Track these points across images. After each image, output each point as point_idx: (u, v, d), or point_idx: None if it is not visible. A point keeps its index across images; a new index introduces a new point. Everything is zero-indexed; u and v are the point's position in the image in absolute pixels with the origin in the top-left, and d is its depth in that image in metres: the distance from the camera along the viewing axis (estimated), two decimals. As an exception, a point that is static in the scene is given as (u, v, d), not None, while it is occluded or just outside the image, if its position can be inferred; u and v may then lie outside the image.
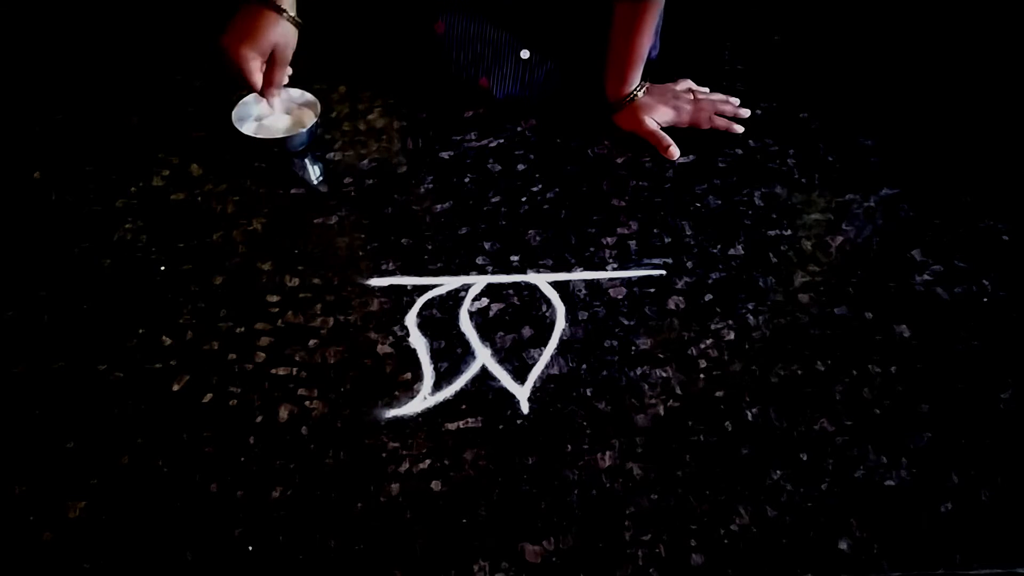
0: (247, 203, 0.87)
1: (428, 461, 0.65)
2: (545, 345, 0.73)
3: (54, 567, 0.59)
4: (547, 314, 0.76)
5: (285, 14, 0.83)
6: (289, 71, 0.89)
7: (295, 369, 0.71)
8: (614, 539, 0.60)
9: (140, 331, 0.74)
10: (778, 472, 0.64)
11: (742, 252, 0.82)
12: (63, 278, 0.79)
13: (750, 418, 0.68)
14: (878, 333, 0.74)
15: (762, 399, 0.69)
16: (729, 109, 0.96)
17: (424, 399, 0.69)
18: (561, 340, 0.74)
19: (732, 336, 0.74)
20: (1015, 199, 0.87)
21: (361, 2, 1.04)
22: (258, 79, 0.85)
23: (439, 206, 0.87)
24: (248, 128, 0.91)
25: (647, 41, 0.90)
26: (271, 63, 0.85)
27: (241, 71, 0.84)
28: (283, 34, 0.84)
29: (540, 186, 0.89)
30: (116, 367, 0.71)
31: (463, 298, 0.78)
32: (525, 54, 0.94)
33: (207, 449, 0.66)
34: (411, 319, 0.76)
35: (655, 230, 0.84)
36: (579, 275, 0.80)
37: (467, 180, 0.90)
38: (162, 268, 0.80)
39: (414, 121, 0.98)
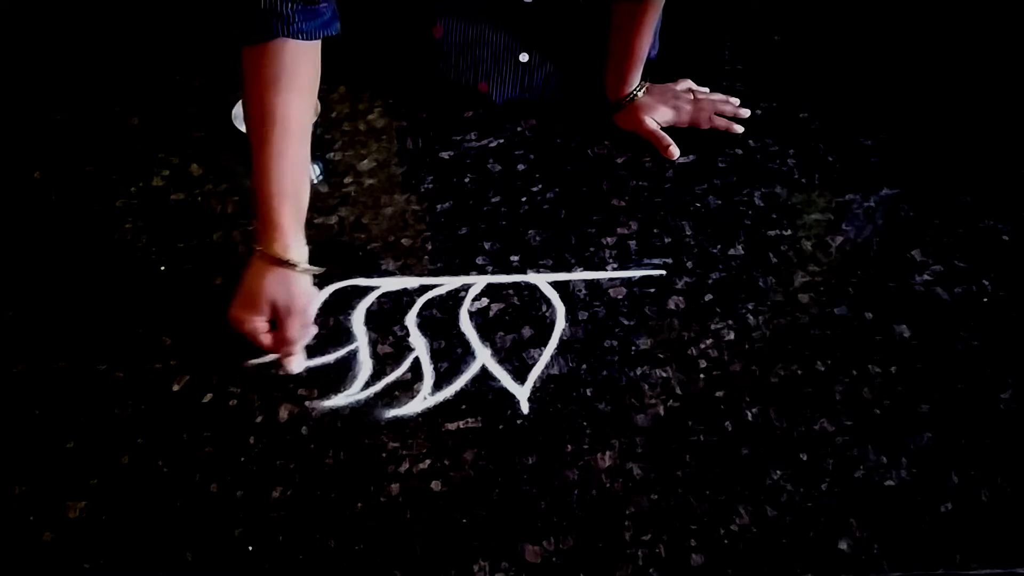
0: (247, 203, 0.87)
1: (428, 461, 0.65)
2: (545, 345, 0.73)
3: (54, 567, 0.59)
4: (547, 314, 0.76)
5: (288, 262, 0.70)
6: (312, 326, 0.73)
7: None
8: (614, 539, 0.60)
9: (140, 331, 0.74)
10: (778, 472, 0.64)
11: (742, 252, 0.82)
12: (63, 278, 0.79)
13: (750, 418, 0.68)
14: (878, 333, 0.74)
15: (762, 399, 0.69)
16: (729, 109, 0.96)
17: (424, 399, 0.69)
18: (561, 340, 0.74)
19: (732, 336, 0.74)
20: (1015, 199, 0.87)
21: (360, 5, 1.03)
22: (265, 342, 0.70)
23: (439, 206, 0.87)
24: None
25: (647, 41, 0.90)
26: (277, 320, 0.70)
27: (246, 336, 0.71)
28: (282, 286, 0.70)
29: (540, 186, 0.89)
30: (116, 367, 0.71)
31: (463, 298, 0.78)
32: (524, 57, 0.94)
33: (207, 449, 0.66)
34: (411, 319, 0.76)
35: (655, 230, 0.84)
36: (579, 275, 0.80)
37: (467, 180, 0.90)
38: (162, 268, 0.80)
39: (414, 121, 0.98)
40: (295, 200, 0.71)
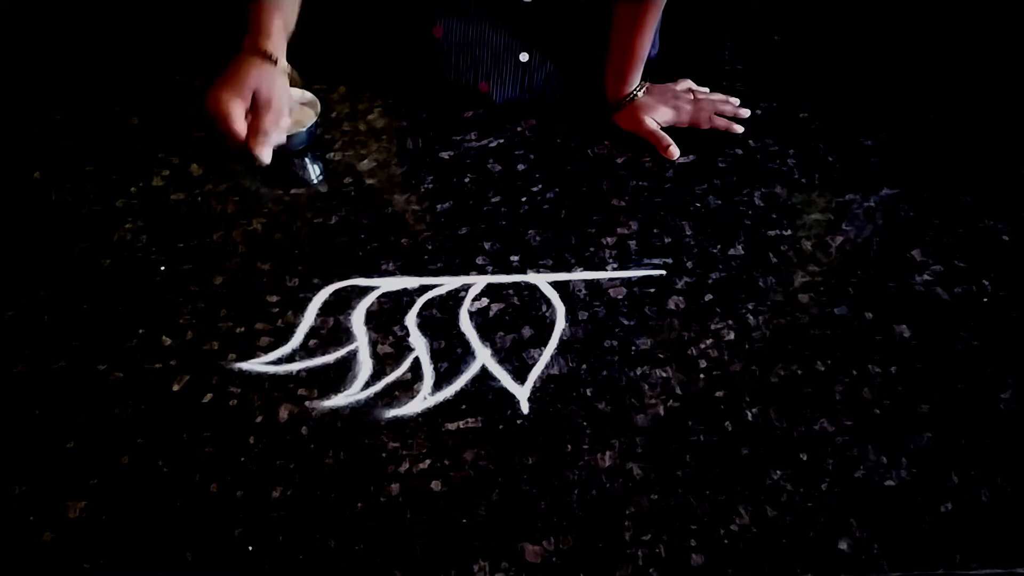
0: (247, 203, 0.87)
1: (428, 461, 0.65)
2: (545, 345, 0.73)
3: (54, 567, 0.59)
4: (547, 314, 0.76)
5: (273, 58, 0.81)
6: (287, 121, 0.83)
7: (295, 369, 0.71)
8: (614, 539, 0.60)
9: (140, 331, 0.74)
10: (778, 472, 0.64)
11: (742, 252, 0.82)
12: (63, 278, 0.79)
13: (750, 418, 0.68)
14: (878, 333, 0.74)
15: (762, 399, 0.69)
16: (729, 109, 0.96)
17: (424, 399, 0.69)
18: (561, 340, 0.74)
19: (732, 336, 0.74)
20: (1015, 199, 0.87)
21: (360, 6, 1.03)
22: (240, 125, 0.78)
23: (439, 206, 0.87)
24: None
25: (648, 41, 0.90)
26: (255, 108, 0.79)
27: (220, 117, 0.78)
28: (266, 78, 0.79)
29: (540, 186, 0.89)
30: (116, 367, 0.71)
31: (463, 298, 0.78)
32: (524, 57, 0.94)
33: (207, 449, 0.66)
34: (411, 319, 0.76)
35: (655, 230, 0.84)
36: (579, 275, 0.80)
37: (467, 180, 0.90)
38: (162, 268, 0.80)
39: (414, 121, 0.98)
40: (283, 15, 0.82)
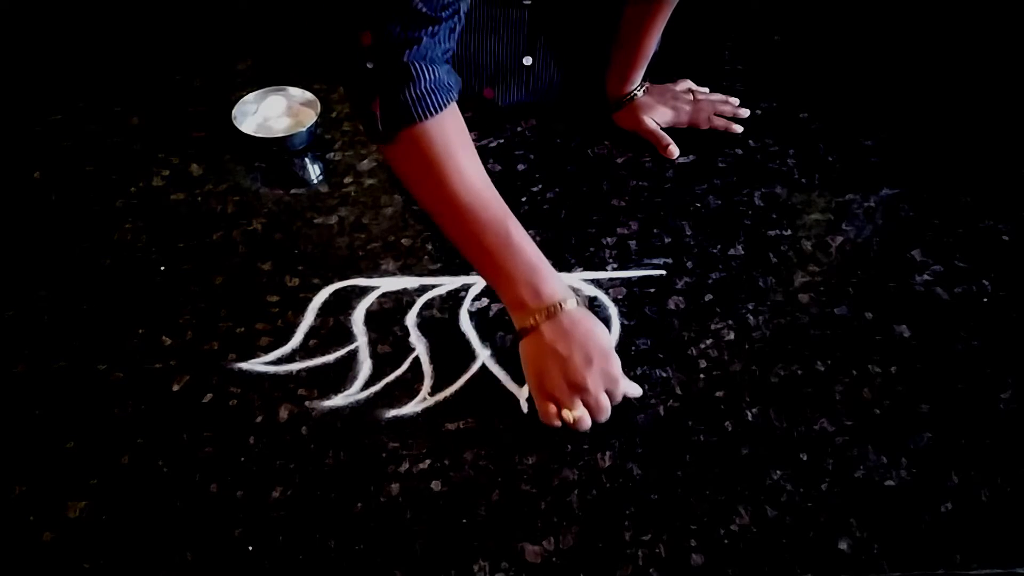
0: (247, 203, 0.87)
1: (428, 461, 0.65)
2: (545, 345, 0.73)
3: (54, 567, 0.59)
4: (547, 314, 0.76)
5: (570, 301, 0.64)
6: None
7: (295, 369, 0.71)
8: (614, 539, 0.60)
9: (140, 331, 0.74)
10: (778, 472, 0.64)
11: (742, 252, 0.82)
12: (63, 278, 0.79)
13: (750, 418, 0.68)
14: (878, 333, 0.74)
15: (762, 399, 0.69)
16: (728, 109, 0.96)
17: (424, 399, 0.69)
18: (561, 340, 0.74)
19: (732, 336, 0.74)
20: (1015, 199, 0.87)
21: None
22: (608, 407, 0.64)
23: (439, 206, 0.87)
24: (248, 127, 0.91)
25: (654, 42, 0.90)
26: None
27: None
28: (598, 332, 0.64)
29: (540, 186, 0.89)
30: (116, 367, 0.71)
31: (463, 298, 0.78)
32: (528, 61, 0.94)
33: (207, 449, 0.66)
34: (411, 319, 0.76)
35: (655, 230, 0.84)
36: (579, 275, 0.79)
37: (467, 180, 0.90)
38: (162, 268, 0.80)
39: (414, 121, 0.98)
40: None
